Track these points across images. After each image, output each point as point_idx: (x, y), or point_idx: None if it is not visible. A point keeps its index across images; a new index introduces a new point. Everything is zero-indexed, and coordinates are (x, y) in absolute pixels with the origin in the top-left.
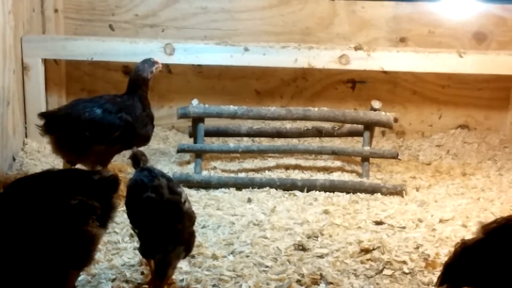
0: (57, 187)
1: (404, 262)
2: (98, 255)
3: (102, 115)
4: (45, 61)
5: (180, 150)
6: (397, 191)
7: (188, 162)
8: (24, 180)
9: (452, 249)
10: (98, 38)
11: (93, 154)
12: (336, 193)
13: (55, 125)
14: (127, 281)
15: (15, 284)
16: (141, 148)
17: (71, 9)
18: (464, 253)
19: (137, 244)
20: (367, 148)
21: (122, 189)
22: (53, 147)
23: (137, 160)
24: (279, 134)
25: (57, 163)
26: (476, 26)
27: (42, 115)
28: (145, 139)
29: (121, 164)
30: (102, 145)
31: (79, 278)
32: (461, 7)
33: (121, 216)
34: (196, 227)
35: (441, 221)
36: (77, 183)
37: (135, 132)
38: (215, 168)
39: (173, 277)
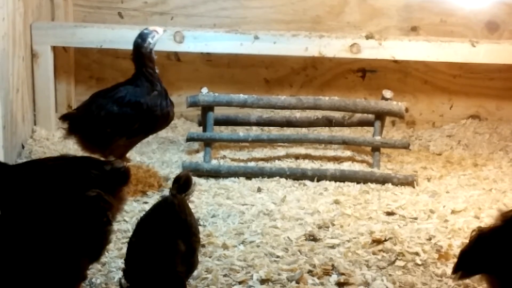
0: (69, 175)
1: (417, 254)
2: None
3: (118, 110)
4: (54, 49)
5: (190, 139)
6: (408, 182)
7: (197, 151)
8: (36, 164)
9: (466, 241)
10: (108, 25)
11: (118, 148)
12: (346, 183)
13: (78, 125)
14: None
15: (29, 274)
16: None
17: None
18: (480, 240)
19: None
20: (378, 138)
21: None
22: (80, 146)
23: (175, 184)
24: (288, 123)
25: (66, 151)
26: (488, 15)
27: (64, 117)
28: (165, 119)
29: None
30: (125, 138)
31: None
32: None
33: (130, 205)
34: (206, 217)
35: (453, 212)
36: (88, 172)
37: (154, 116)
38: (224, 157)
39: None
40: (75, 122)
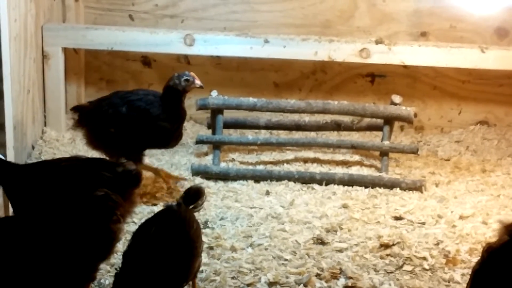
0: (81, 177)
1: (424, 258)
2: (117, 245)
3: (126, 111)
4: (64, 50)
5: (199, 142)
6: (417, 187)
7: (206, 154)
8: (49, 164)
9: (473, 246)
10: (119, 28)
11: (119, 149)
12: (354, 187)
13: (86, 119)
14: None
15: (38, 273)
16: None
17: None
18: (491, 257)
19: None
20: (386, 142)
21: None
22: (85, 140)
23: (186, 197)
24: (297, 127)
25: (75, 152)
26: (498, 21)
27: (75, 108)
28: (166, 142)
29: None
30: (127, 141)
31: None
32: (483, 2)
33: (139, 207)
34: (214, 219)
35: (461, 217)
36: (100, 174)
37: (159, 131)
38: (233, 160)
39: None
40: (85, 114)
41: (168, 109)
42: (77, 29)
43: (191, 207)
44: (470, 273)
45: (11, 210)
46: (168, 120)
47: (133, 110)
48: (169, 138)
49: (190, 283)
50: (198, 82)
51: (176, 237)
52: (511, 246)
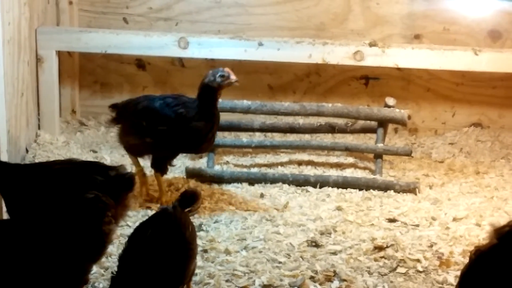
0: (74, 180)
1: (418, 261)
2: (111, 248)
3: (159, 106)
4: (58, 53)
5: None
6: (410, 189)
7: (201, 156)
8: (42, 167)
9: (466, 248)
10: (113, 31)
11: (148, 148)
12: (348, 189)
13: (120, 115)
14: None
15: (30, 276)
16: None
17: (86, 1)
18: (479, 260)
19: None
20: (380, 145)
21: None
22: (118, 138)
23: (182, 200)
24: (292, 130)
25: (69, 155)
26: (491, 24)
27: (113, 106)
28: (194, 146)
29: None
30: (150, 139)
31: (92, 271)
32: (477, 4)
33: (133, 210)
34: (209, 222)
35: (454, 219)
36: (93, 178)
37: (187, 132)
38: (227, 162)
39: None
40: (120, 110)
41: (202, 108)
42: (71, 32)
43: (186, 210)
44: None
45: (4, 210)
46: (202, 119)
47: (167, 106)
48: (201, 139)
49: (185, 286)
50: (233, 77)
51: (172, 239)
52: (499, 250)
